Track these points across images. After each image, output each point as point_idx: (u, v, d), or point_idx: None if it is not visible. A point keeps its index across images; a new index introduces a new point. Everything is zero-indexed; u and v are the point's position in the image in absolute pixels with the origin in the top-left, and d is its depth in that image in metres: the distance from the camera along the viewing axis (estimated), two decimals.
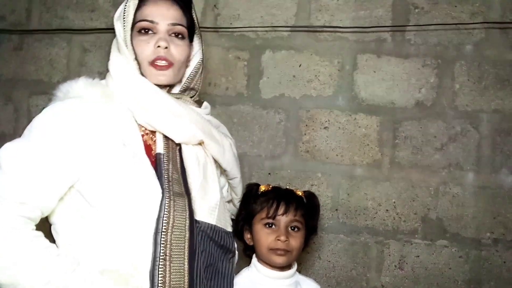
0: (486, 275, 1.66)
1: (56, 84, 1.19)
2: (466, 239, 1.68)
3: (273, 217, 1.38)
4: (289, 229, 1.39)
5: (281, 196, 1.42)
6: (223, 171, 1.33)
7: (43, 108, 1.13)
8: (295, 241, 1.38)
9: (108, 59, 1.22)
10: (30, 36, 1.97)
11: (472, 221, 1.68)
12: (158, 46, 1.16)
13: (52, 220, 1.12)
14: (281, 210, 1.38)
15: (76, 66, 1.94)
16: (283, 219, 1.38)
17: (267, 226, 1.39)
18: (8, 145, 1.06)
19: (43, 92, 1.93)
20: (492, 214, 1.67)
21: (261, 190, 1.45)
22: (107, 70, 1.21)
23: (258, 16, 1.84)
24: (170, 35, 1.19)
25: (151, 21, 1.17)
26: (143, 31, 1.17)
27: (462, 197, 1.69)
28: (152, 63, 1.16)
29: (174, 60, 1.18)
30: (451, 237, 1.69)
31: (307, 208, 1.45)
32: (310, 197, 1.49)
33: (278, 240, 1.36)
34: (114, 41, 1.22)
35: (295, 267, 1.43)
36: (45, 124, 1.08)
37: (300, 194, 1.47)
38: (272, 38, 1.83)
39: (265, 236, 1.38)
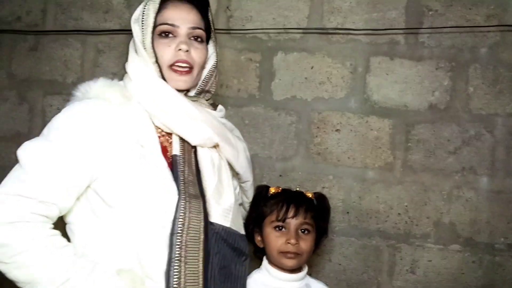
0: (499, 280, 1.64)
1: (70, 84, 1.22)
2: (480, 244, 1.66)
3: (283, 220, 1.37)
4: (300, 231, 1.38)
5: (291, 199, 1.41)
6: (235, 174, 1.34)
7: (58, 108, 1.15)
8: (306, 244, 1.37)
9: (122, 60, 1.24)
10: (45, 37, 1.99)
11: (485, 226, 1.66)
12: (179, 49, 1.17)
13: (68, 219, 1.13)
14: (291, 213, 1.37)
15: (90, 67, 1.96)
16: (293, 222, 1.37)
17: (277, 229, 1.38)
18: (28, 144, 1.08)
19: (58, 92, 1.95)
20: (506, 219, 1.65)
21: (271, 193, 1.44)
22: (125, 72, 1.22)
23: (271, 18, 1.84)
24: (189, 38, 1.20)
25: (172, 25, 1.18)
26: (163, 34, 1.18)
27: (476, 201, 1.67)
28: (172, 67, 1.18)
29: (194, 63, 1.20)
30: (464, 241, 1.67)
31: (317, 210, 1.43)
32: (321, 199, 1.48)
33: (288, 243, 1.35)
34: (131, 43, 1.23)
35: (305, 269, 1.42)
36: (64, 124, 1.09)
37: (310, 196, 1.46)
38: (284, 40, 1.83)
39: (275, 239, 1.37)
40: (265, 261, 1.42)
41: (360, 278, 1.73)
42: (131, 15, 1.23)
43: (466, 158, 1.68)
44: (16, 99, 2.00)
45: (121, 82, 1.22)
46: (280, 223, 1.38)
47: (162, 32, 1.18)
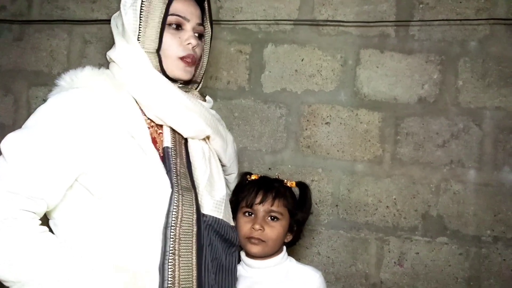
0: (485, 272, 1.66)
1: (56, 75, 1.16)
2: (466, 237, 1.68)
3: (250, 206, 1.37)
4: (268, 219, 1.37)
5: (261, 185, 1.40)
6: (222, 166, 1.33)
7: (43, 99, 1.11)
8: (272, 231, 1.35)
9: (110, 49, 1.20)
10: (30, 27, 1.95)
11: (472, 218, 1.68)
12: (189, 43, 1.17)
13: (53, 215, 1.10)
14: (258, 199, 1.37)
15: (77, 58, 1.93)
16: (260, 208, 1.36)
17: (246, 214, 1.38)
18: (12, 136, 1.02)
19: (43, 83, 1.92)
20: (493, 212, 1.67)
21: (249, 179, 1.44)
22: (110, 59, 1.18)
23: (261, 10, 1.82)
24: (194, 33, 1.20)
25: (184, 18, 1.17)
26: (172, 26, 1.17)
27: (463, 194, 1.68)
28: (182, 59, 1.17)
29: (197, 58, 1.21)
30: (451, 234, 1.69)
31: (292, 199, 1.43)
32: (301, 188, 1.46)
33: (253, 228, 1.35)
34: (117, 28, 1.18)
35: (280, 256, 1.40)
36: (50, 115, 1.05)
37: (289, 184, 1.45)
38: (275, 32, 1.81)
39: (243, 224, 1.37)
40: (242, 251, 1.42)
41: (348, 271, 1.74)
42: (119, 5, 1.18)
43: (455, 151, 1.70)
44: (1, 91, 1.97)
45: (108, 71, 1.17)
46: (248, 209, 1.37)
47: (173, 23, 1.16)
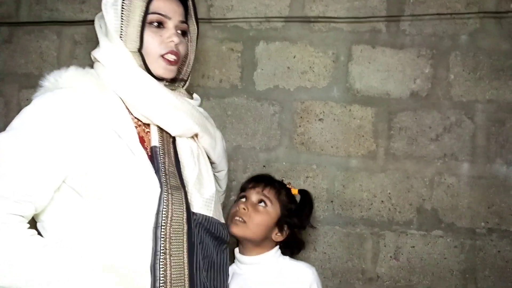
0: (481, 264, 1.67)
1: None
2: (461, 229, 1.69)
3: (243, 190, 1.43)
4: (259, 205, 1.39)
5: (259, 175, 1.49)
6: (211, 164, 1.33)
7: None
8: (256, 215, 1.36)
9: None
10: (19, 29, 1.93)
11: (467, 211, 1.69)
12: (171, 41, 1.16)
13: (41, 217, 1.08)
14: (251, 184, 1.43)
15: (67, 59, 1.91)
16: (253, 192, 1.40)
17: (241, 199, 1.42)
18: None
19: (34, 85, 1.82)
20: (487, 204, 1.68)
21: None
22: (95, 59, 1.17)
23: (252, 7, 1.81)
24: (177, 31, 1.19)
25: (165, 16, 1.16)
26: (153, 24, 1.16)
27: (457, 187, 1.70)
28: (163, 56, 1.16)
29: (180, 55, 1.19)
30: (446, 227, 1.70)
31: (289, 198, 1.44)
32: (302, 194, 1.48)
33: (238, 207, 1.38)
34: (100, 28, 1.17)
35: (271, 252, 1.40)
36: (36, 116, 1.04)
37: (292, 189, 1.47)
38: (266, 29, 1.81)
39: (234, 206, 1.41)
40: (236, 248, 1.43)
41: (344, 266, 1.75)
42: None
43: (448, 145, 1.70)
44: None
45: (93, 71, 1.16)
46: (242, 193, 1.42)
47: (153, 21, 1.15)
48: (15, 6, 1.94)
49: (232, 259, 1.41)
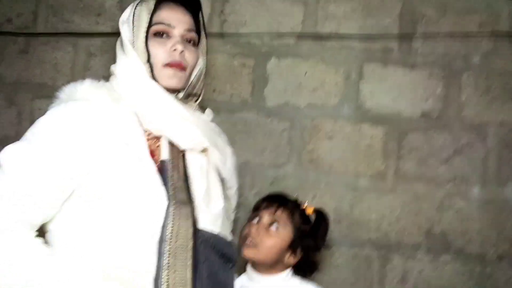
0: None
1: (60, 88, 1.19)
2: (471, 255, 1.65)
3: (256, 210, 1.41)
4: (271, 228, 1.37)
5: (273, 196, 1.45)
6: (221, 180, 1.32)
7: (46, 111, 1.12)
8: (268, 238, 1.35)
9: (113, 63, 1.22)
10: (36, 39, 1.97)
11: (477, 236, 1.65)
12: (174, 50, 1.16)
13: (49, 227, 1.09)
14: (264, 204, 1.41)
15: (81, 70, 1.93)
16: (265, 214, 1.38)
17: (253, 218, 1.41)
18: (10, 148, 1.04)
19: (47, 95, 1.89)
20: (497, 229, 1.64)
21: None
22: (112, 72, 1.20)
23: (265, 23, 1.82)
24: (184, 40, 1.19)
25: (168, 25, 1.17)
26: (158, 34, 1.17)
27: (467, 211, 1.66)
28: (167, 65, 1.16)
29: (187, 64, 1.19)
30: (455, 252, 1.66)
31: (303, 219, 1.42)
32: (317, 215, 1.46)
33: (251, 231, 1.36)
34: (119, 44, 1.21)
35: (283, 275, 1.38)
36: (49, 127, 1.07)
37: (307, 209, 1.44)
38: (278, 46, 1.82)
39: (246, 228, 1.40)
40: (248, 264, 1.41)
41: None
42: None
43: (458, 167, 1.68)
44: (4, 102, 1.97)
45: (108, 84, 1.19)
46: (254, 213, 1.40)
47: (157, 32, 1.17)
48: (33, 17, 1.98)
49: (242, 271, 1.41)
